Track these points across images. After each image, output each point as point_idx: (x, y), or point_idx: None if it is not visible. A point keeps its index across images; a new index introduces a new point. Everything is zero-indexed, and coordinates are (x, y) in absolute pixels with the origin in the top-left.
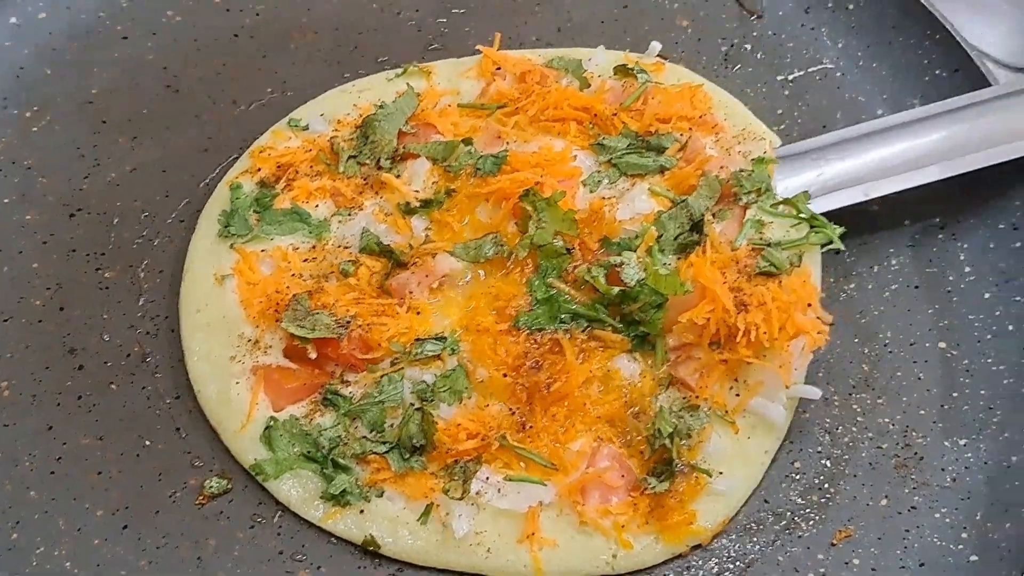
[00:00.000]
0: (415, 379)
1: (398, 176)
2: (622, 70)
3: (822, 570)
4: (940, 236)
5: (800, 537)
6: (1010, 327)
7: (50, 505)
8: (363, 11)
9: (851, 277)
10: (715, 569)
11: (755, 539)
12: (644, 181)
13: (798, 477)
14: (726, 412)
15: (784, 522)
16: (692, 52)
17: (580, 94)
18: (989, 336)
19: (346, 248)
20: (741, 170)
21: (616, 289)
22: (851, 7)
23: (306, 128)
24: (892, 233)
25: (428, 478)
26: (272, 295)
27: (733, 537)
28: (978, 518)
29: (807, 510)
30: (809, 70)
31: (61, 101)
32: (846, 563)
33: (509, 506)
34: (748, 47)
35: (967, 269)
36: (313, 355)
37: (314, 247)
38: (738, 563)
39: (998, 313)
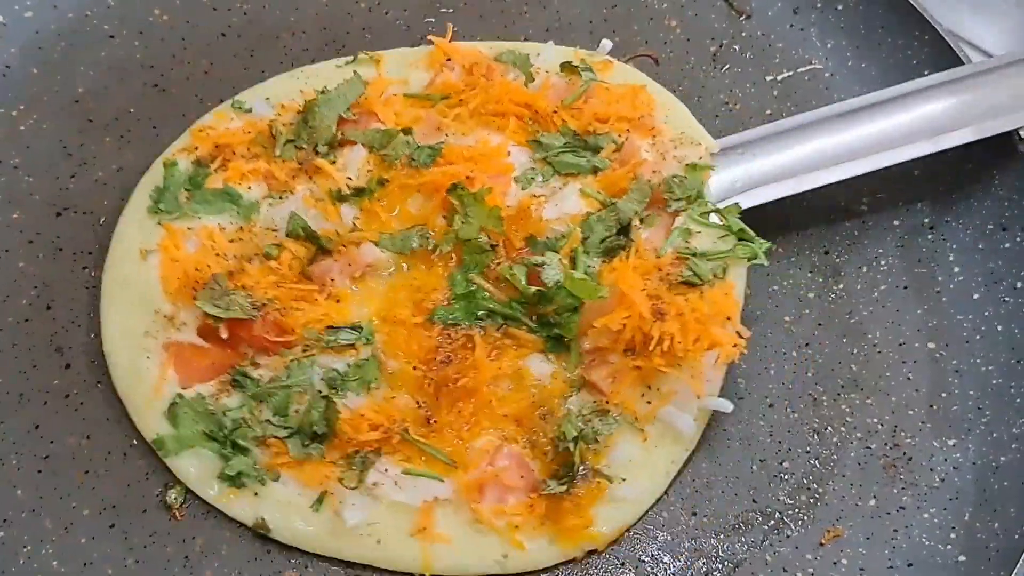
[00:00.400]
0: (326, 366)
1: (334, 162)
2: (568, 67)
3: (810, 570)
4: (929, 236)
5: (788, 537)
6: (999, 327)
7: (37, 504)
8: (351, 10)
9: (840, 277)
10: (703, 569)
11: (743, 539)
12: (576, 181)
13: (786, 477)
14: (636, 419)
15: (772, 522)
16: (681, 52)
17: (522, 89)
18: (978, 336)
19: (273, 231)
20: (674, 176)
21: (533, 289)
22: (840, 7)
23: (249, 111)
24: (881, 233)
25: (326, 466)
26: (192, 273)
27: (722, 537)
28: (966, 518)
29: (795, 510)
30: (798, 70)
31: (47, 100)
32: (834, 563)
33: (404, 499)
34: (737, 47)
35: (956, 269)
36: (224, 335)
37: (241, 228)
38: (726, 563)
39: (987, 313)
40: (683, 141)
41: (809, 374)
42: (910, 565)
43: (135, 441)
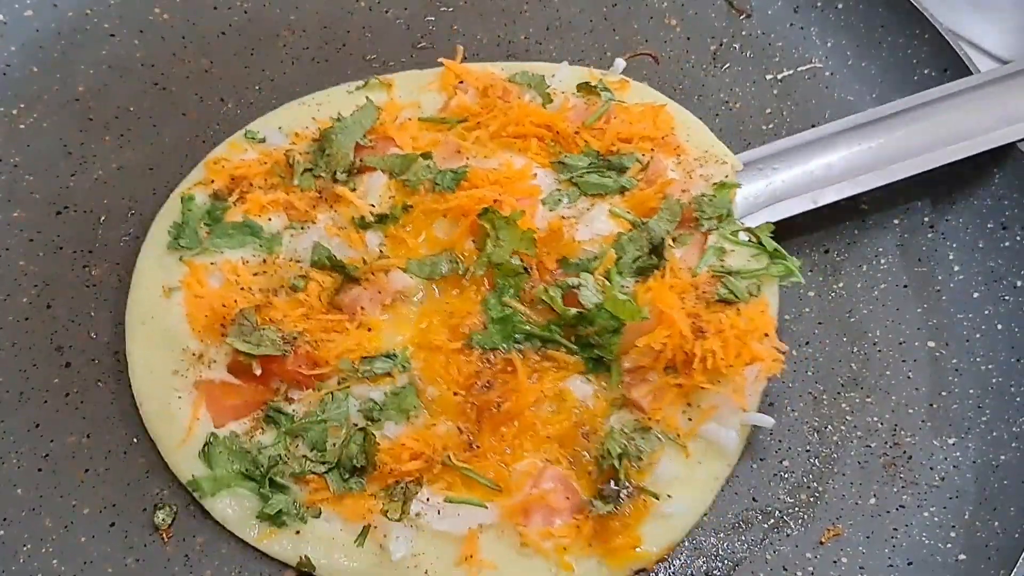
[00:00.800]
0: (363, 397)
1: (353, 190)
2: (585, 87)
3: (810, 569)
4: (929, 235)
5: (788, 536)
6: (999, 326)
7: (37, 503)
8: (351, 9)
9: (840, 276)
10: (703, 568)
11: (743, 538)
12: (604, 201)
13: (786, 476)
14: (678, 436)
15: (772, 521)
16: (681, 51)
17: (542, 110)
18: (978, 335)
19: (297, 262)
20: (703, 194)
21: (573, 311)
22: (840, 6)
23: (263, 141)
24: (881, 232)
25: (367, 499)
26: (219, 309)
27: (721, 536)
28: (966, 517)
29: (795, 509)
30: (798, 69)
31: (48, 99)
32: (834, 562)
33: (448, 528)
34: (737, 46)
35: (956, 268)
36: (258, 371)
37: (264, 261)
38: (726, 561)
39: (987, 312)
40: (708, 159)
41: (809, 373)
42: (910, 564)
43: (135, 440)
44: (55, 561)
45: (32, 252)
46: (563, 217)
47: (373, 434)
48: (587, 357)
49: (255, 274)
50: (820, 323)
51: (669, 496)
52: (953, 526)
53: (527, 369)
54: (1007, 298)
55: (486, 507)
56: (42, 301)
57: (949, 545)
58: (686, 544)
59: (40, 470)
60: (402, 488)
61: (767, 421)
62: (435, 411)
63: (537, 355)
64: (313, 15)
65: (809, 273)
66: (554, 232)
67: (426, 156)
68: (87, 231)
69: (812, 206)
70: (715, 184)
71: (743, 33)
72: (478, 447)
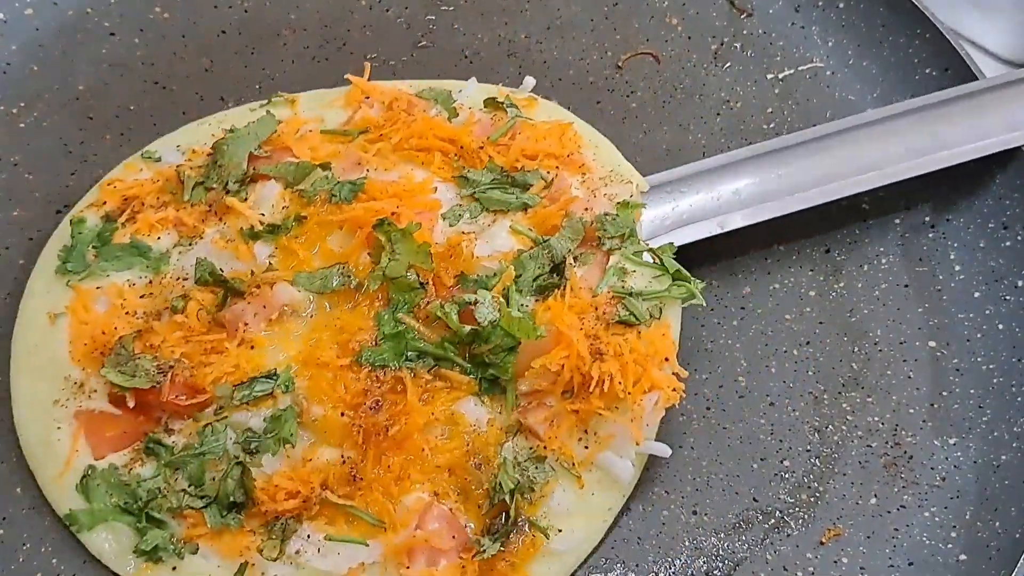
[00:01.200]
0: (241, 426)
1: (244, 199)
2: (492, 103)
3: (811, 569)
4: (930, 235)
5: (789, 536)
6: (1000, 326)
7: (37, 502)
8: (352, 8)
9: (841, 276)
10: (703, 568)
11: (744, 538)
12: (506, 218)
13: (787, 476)
14: (573, 465)
15: (773, 521)
16: (682, 50)
17: (446, 124)
18: (979, 335)
19: (184, 280)
20: (606, 214)
21: (468, 328)
22: (841, 5)
23: (159, 160)
24: (882, 232)
25: (245, 535)
26: (99, 337)
27: (722, 536)
28: (967, 517)
29: (796, 509)
30: (799, 68)
31: (48, 98)
32: (835, 562)
33: (329, 568)
34: (738, 45)
35: (957, 268)
36: (131, 403)
37: (150, 282)
38: (727, 562)
39: (988, 312)
40: (613, 179)
41: (810, 372)
42: (911, 564)
43: None
44: (54, 560)
45: (32, 252)
46: (463, 233)
47: (250, 469)
48: (481, 378)
49: (141, 296)
50: (821, 323)
51: (560, 531)
52: (954, 526)
53: (418, 390)
54: (1008, 298)
55: (367, 545)
56: None
57: (950, 545)
58: (687, 544)
59: None
60: (281, 525)
61: (664, 451)
62: (320, 433)
63: (429, 375)
64: (313, 14)
65: (810, 273)
66: (453, 247)
67: (324, 167)
68: None
69: (718, 231)
70: (619, 203)
71: (744, 32)
72: (361, 479)
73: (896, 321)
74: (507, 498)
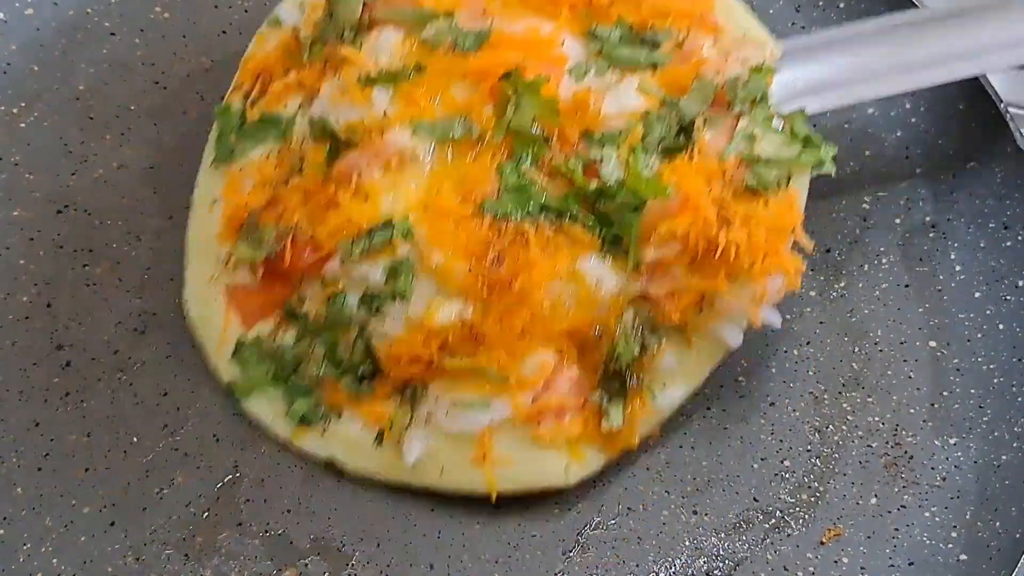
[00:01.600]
0: (361, 284)
1: (360, 47)
2: None
3: (811, 569)
4: (931, 235)
5: (789, 536)
6: (1000, 326)
7: (37, 502)
8: None
9: (841, 276)
10: (704, 568)
11: (744, 538)
12: (634, 76)
13: (788, 476)
14: (685, 327)
15: (773, 521)
16: None
17: None
18: (979, 335)
19: (304, 142)
20: (737, 77)
21: (594, 184)
22: (842, 5)
23: (281, 24)
24: (882, 232)
25: (379, 402)
26: (240, 213)
27: (722, 536)
28: (968, 517)
29: (796, 509)
30: None
31: (48, 97)
32: (835, 562)
33: (460, 429)
34: None
35: (957, 268)
36: (259, 272)
37: (280, 151)
38: (727, 561)
39: (988, 312)
40: (746, 42)
41: (810, 372)
42: (911, 564)
43: (135, 439)
44: (55, 560)
45: (32, 251)
46: (590, 89)
47: (373, 341)
48: (604, 235)
49: (276, 167)
50: (821, 323)
51: (663, 385)
52: (954, 526)
53: (541, 242)
54: (1008, 298)
55: (490, 406)
56: (42, 301)
57: (950, 545)
58: (687, 544)
59: (40, 470)
60: (410, 391)
61: (776, 321)
62: (441, 281)
63: (551, 229)
64: None
65: (810, 273)
66: (579, 103)
67: (448, 14)
68: (88, 230)
69: (859, 99)
70: (751, 67)
71: None
72: (484, 337)
73: (896, 321)
74: (623, 367)
